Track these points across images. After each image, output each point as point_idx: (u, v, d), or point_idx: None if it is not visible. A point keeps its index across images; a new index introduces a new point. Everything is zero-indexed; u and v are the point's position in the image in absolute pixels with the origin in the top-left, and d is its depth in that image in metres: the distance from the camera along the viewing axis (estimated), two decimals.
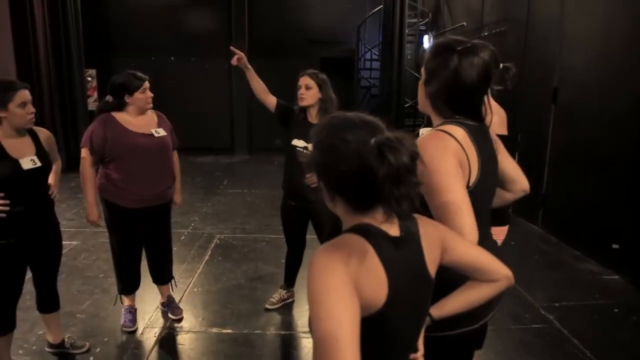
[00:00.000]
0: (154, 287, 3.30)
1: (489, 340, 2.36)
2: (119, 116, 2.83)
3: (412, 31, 9.30)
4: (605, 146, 4.30)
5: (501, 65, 2.03)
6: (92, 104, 8.91)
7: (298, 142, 2.99)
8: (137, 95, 2.81)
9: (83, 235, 4.84)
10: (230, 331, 3.14)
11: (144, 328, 3.15)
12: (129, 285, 3.12)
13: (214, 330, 3.16)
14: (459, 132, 1.35)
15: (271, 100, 3.12)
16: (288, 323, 3.30)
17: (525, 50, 5.63)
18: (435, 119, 1.47)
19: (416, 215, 1.12)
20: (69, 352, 2.81)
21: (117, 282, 3.13)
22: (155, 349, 2.96)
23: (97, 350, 2.89)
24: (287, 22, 10.21)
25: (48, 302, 2.70)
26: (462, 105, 1.41)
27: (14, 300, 2.47)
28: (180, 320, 3.23)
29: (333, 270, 0.93)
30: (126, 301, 3.17)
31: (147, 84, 2.85)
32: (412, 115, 9.04)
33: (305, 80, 2.99)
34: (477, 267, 1.20)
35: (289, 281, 3.46)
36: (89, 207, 2.85)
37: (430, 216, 1.24)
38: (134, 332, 3.09)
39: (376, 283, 0.97)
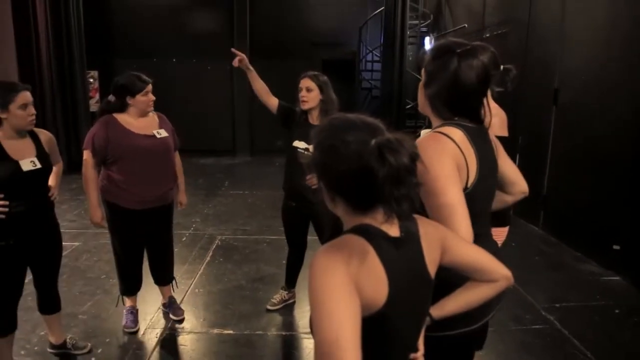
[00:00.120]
0: (156, 288, 3.31)
1: (489, 341, 2.36)
2: (121, 117, 2.84)
3: (414, 33, 9.32)
4: (606, 147, 4.30)
5: (502, 67, 2.05)
6: (93, 105, 8.92)
7: (299, 144, 3.00)
8: (139, 97, 2.82)
9: (85, 237, 4.85)
10: (231, 332, 3.15)
11: (146, 329, 3.16)
12: (131, 286, 3.13)
13: (215, 331, 3.17)
14: (457, 134, 1.36)
15: (273, 102, 3.13)
16: (289, 324, 3.30)
17: (526, 52, 5.63)
18: (435, 121, 1.48)
19: (416, 216, 1.12)
20: (70, 352, 2.82)
21: (119, 283, 3.14)
22: (157, 349, 2.97)
23: (99, 351, 2.90)
24: (288, 24, 10.23)
25: (49, 304, 2.71)
26: (461, 107, 1.42)
27: (15, 301, 2.48)
28: (181, 321, 3.23)
29: (334, 271, 0.94)
30: (128, 302, 3.18)
31: (150, 87, 2.85)
32: (413, 117, 9.04)
33: (306, 83, 2.99)
34: (477, 268, 1.21)
35: (290, 282, 3.47)
36: (92, 209, 2.85)
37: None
38: (136, 332, 3.10)
39: (376, 283, 0.98)
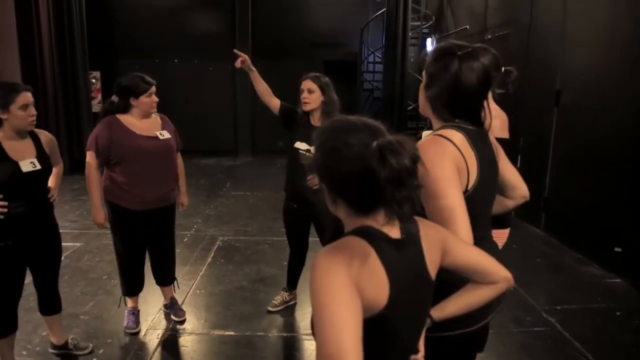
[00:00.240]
0: (157, 288, 3.31)
1: (490, 343, 2.36)
2: (124, 118, 2.85)
3: (415, 34, 9.31)
4: (607, 149, 4.30)
5: (503, 68, 2.05)
6: (96, 105, 8.93)
7: (301, 145, 3.00)
8: (143, 99, 2.82)
9: (86, 237, 4.86)
10: (232, 333, 3.15)
11: (147, 330, 3.17)
12: (133, 287, 3.14)
13: (217, 332, 3.17)
14: (457, 136, 1.37)
15: (275, 103, 3.14)
16: (290, 325, 3.31)
17: (527, 53, 5.63)
18: (435, 123, 1.48)
19: (417, 218, 1.13)
20: (72, 353, 2.83)
21: (121, 284, 3.15)
22: (158, 350, 2.97)
23: (101, 351, 2.90)
24: (290, 25, 10.24)
25: (49, 304, 2.71)
26: (461, 109, 1.42)
27: (14, 301, 2.48)
28: (182, 322, 3.23)
29: (335, 273, 0.94)
30: (129, 303, 3.18)
31: (153, 89, 2.86)
32: (415, 118, 9.04)
33: (307, 84, 3.00)
34: (477, 270, 1.21)
35: (292, 283, 3.47)
36: (95, 210, 2.86)
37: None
38: (137, 333, 3.10)
39: (377, 285, 0.98)
